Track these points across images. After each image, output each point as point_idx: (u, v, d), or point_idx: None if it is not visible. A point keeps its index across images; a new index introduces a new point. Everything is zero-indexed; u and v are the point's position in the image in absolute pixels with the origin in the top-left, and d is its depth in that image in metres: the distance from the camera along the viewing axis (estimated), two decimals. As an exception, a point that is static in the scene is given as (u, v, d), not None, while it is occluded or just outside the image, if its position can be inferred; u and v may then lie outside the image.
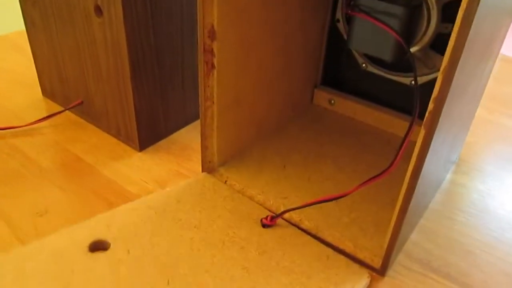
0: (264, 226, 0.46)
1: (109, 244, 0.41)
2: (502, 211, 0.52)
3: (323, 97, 0.67)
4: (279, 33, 0.53)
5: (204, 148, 0.51)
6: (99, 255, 0.40)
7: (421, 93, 0.58)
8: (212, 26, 0.43)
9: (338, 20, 0.61)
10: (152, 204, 0.47)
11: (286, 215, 0.47)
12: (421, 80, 0.57)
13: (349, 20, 0.59)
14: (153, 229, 0.43)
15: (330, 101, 0.66)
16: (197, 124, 0.64)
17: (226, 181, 0.51)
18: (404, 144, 0.44)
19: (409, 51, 0.46)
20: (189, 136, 0.61)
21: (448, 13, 0.51)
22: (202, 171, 0.52)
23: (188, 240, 0.43)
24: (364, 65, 0.61)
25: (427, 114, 0.34)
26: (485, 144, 0.65)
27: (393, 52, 0.49)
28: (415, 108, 0.43)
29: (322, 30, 0.62)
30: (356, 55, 0.61)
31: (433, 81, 0.56)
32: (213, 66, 0.45)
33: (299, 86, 0.64)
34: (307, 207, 0.45)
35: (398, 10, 0.46)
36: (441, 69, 0.32)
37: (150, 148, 0.58)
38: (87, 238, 0.41)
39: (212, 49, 0.44)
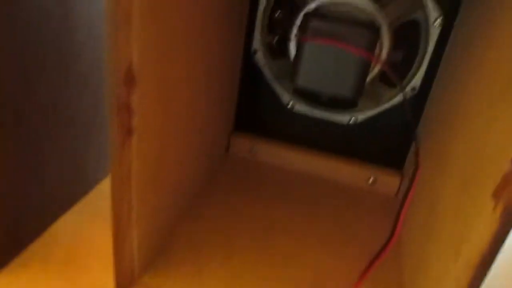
0: None
1: None
2: None
3: (241, 144, 0.54)
4: (198, 73, 0.38)
5: (119, 254, 0.32)
6: None
7: (362, 129, 0.50)
8: (130, 66, 0.26)
9: (255, 52, 0.49)
10: None
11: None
12: (363, 116, 0.49)
13: (276, 53, 0.48)
14: None
15: (250, 149, 0.53)
16: (83, 206, 0.44)
17: (155, 295, 0.34)
18: (403, 213, 0.34)
19: (399, 81, 0.37)
20: (76, 228, 0.41)
21: (399, 39, 0.43)
22: (117, 287, 0.34)
23: None
24: (290, 104, 0.50)
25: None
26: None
27: (356, 87, 0.39)
28: (416, 155, 0.33)
29: (236, 64, 0.49)
30: (280, 92, 0.50)
31: (375, 116, 0.49)
32: (130, 130, 0.28)
33: (215, 135, 0.49)
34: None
35: (366, 33, 0.36)
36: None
37: (13, 263, 0.37)
38: None
39: (130, 104, 0.28)
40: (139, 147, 0.29)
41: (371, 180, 0.50)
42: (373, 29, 0.38)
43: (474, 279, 0.25)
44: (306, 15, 0.40)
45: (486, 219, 0.24)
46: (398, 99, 0.47)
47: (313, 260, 0.40)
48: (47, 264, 0.37)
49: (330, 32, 0.36)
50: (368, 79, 0.43)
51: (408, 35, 0.44)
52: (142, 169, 0.31)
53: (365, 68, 0.38)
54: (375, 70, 0.44)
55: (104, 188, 0.45)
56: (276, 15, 0.45)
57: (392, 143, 0.50)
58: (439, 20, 0.42)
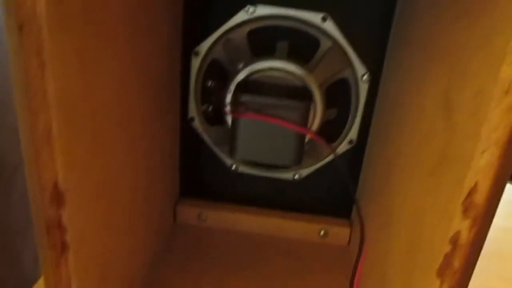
0: None
1: None
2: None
3: (189, 212, 0.52)
4: (140, 154, 0.37)
5: None
6: None
7: (306, 184, 0.51)
8: (56, 185, 0.25)
9: (192, 119, 0.48)
10: None
11: None
12: (306, 171, 0.49)
13: (212, 120, 0.47)
14: None
15: (199, 216, 0.52)
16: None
17: None
18: (357, 274, 0.34)
19: (334, 152, 0.37)
20: None
21: (331, 97, 0.44)
22: None
23: None
24: (234, 166, 0.50)
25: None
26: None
27: (296, 155, 0.39)
28: (360, 223, 0.34)
29: (174, 133, 0.48)
30: (223, 156, 0.50)
31: (318, 171, 0.49)
32: (65, 247, 0.27)
33: (161, 208, 0.48)
34: None
35: (298, 105, 0.37)
36: None
37: None
38: None
39: (61, 221, 0.26)
40: (77, 261, 0.27)
41: (322, 232, 0.51)
42: (304, 96, 0.38)
43: None
44: (238, 87, 0.40)
45: (435, 298, 0.25)
46: (338, 153, 0.48)
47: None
48: None
49: (262, 106, 0.37)
50: (307, 139, 0.44)
51: (339, 93, 0.45)
52: (84, 282, 0.29)
53: (301, 136, 0.39)
54: (313, 129, 0.44)
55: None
56: (209, 84, 0.45)
57: (337, 193, 0.51)
58: (366, 76, 0.44)
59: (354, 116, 0.46)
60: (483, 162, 0.21)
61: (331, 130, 0.46)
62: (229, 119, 0.44)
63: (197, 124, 0.48)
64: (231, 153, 0.40)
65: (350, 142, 0.47)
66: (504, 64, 0.19)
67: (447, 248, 0.24)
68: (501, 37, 0.20)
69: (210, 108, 0.46)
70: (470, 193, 0.22)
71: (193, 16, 0.44)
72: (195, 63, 0.45)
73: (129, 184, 0.36)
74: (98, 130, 0.28)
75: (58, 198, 0.25)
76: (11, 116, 0.36)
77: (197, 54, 0.45)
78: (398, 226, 0.32)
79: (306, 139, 0.44)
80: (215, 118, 0.47)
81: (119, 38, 0.30)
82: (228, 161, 0.50)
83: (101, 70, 0.27)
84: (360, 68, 0.44)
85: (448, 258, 0.24)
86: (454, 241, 0.23)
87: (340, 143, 0.47)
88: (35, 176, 0.24)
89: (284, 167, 0.42)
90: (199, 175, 0.52)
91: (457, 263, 0.23)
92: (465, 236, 0.23)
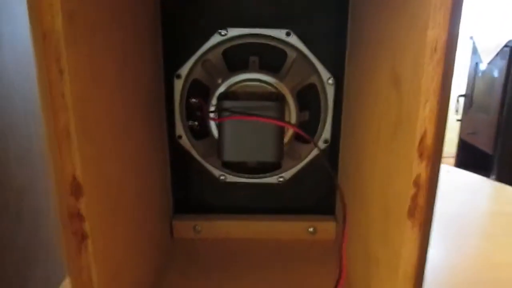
0: None
1: None
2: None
3: (184, 226, 0.55)
4: (133, 166, 0.41)
5: None
6: None
7: (291, 185, 0.55)
8: (74, 177, 0.29)
9: (180, 137, 0.52)
10: None
11: None
12: (289, 174, 0.54)
13: (199, 135, 0.52)
14: None
15: (194, 228, 0.55)
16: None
17: None
18: (343, 256, 0.38)
19: (313, 140, 0.42)
20: None
21: (303, 101, 0.50)
22: None
23: None
24: (222, 177, 0.54)
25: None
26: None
27: (277, 150, 0.44)
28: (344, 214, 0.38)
29: (164, 151, 0.52)
30: (211, 168, 0.54)
31: (300, 172, 0.54)
32: (84, 236, 0.30)
33: (157, 224, 0.51)
34: None
35: (273, 104, 0.42)
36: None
37: None
38: None
39: (79, 211, 0.29)
40: (95, 250, 0.31)
41: (311, 229, 0.54)
42: (278, 99, 0.44)
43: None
44: (219, 98, 0.45)
45: (410, 237, 0.29)
46: (315, 152, 0.52)
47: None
48: None
49: (242, 109, 0.42)
50: (285, 140, 0.49)
51: (310, 97, 0.50)
52: (102, 272, 0.32)
53: (280, 132, 0.44)
54: (290, 132, 0.49)
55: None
56: (192, 101, 0.50)
57: (320, 192, 0.55)
58: (330, 80, 0.50)
59: (325, 117, 0.51)
60: (427, 110, 0.26)
61: (307, 133, 0.51)
62: (214, 129, 0.49)
63: (185, 141, 0.52)
64: (219, 155, 0.44)
65: (325, 141, 0.52)
66: (429, 29, 0.25)
67: (412, 190, 0.28)
68: (423, 12, 0.26)
69: (196, 123, 0.50)
70: (422, 139, 0.27)
71: (172, 43, 0.49)
72: (178, 85, 0.50)
73: (133, 189, 0.39)
74: (107, 132, 0.32)
75: (76, 189, 0.29)
76: (16, 145, 0.40)
77: (179, 76, 0.50)
78: (371, 187, 0.37)
79: (285, 140, 0.48)
80: (200, 132, 0.51)
81: (118, 49, 0.34)
82: (216, 172, 0.54)
83: (106, 77, 0.32)
84: (324, 74, 0.49)
85: (414, 199, 0.28)
86: (417, 183, 0.28)
87: (317, 144, 0.52)
88: (57, 168, 0.28)
89: (268, 163, 0.46)
90: (191, 191, 0.56)
91: (422, 201, 0.28)
92: (424, 177, 0.27)
